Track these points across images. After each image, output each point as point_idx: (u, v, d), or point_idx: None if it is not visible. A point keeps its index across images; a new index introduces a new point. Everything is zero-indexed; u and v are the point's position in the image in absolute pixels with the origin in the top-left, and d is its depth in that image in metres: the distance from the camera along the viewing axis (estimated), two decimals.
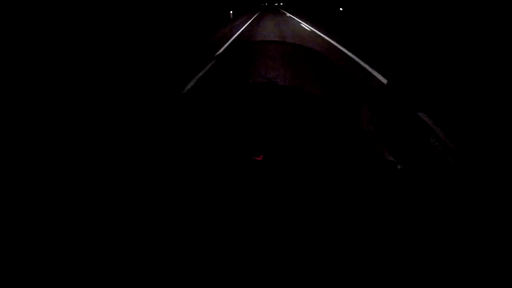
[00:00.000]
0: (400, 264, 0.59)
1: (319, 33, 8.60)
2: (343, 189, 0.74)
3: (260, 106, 0.98)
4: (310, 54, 1.19)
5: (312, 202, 0.71)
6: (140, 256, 0.62)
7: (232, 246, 0.63)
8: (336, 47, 6.18)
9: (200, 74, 4.16)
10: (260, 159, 0.82)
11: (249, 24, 12.34)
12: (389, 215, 0.68)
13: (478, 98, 2.48)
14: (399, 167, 0.81)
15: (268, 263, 0.60)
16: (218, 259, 0.61)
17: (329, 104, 1.00)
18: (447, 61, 3.60)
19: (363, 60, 4.80)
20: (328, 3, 19.51)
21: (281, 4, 55.30)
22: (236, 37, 8.28)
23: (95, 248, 0.65)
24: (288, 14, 19.44)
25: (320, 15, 16.42)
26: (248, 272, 0.58)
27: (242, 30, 9.88)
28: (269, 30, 9.71)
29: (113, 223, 0.69)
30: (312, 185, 0.75)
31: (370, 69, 4.28)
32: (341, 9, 14.90)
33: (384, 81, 3.69)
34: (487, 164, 1.51)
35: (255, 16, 17.30)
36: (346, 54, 5.42)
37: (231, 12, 14.73)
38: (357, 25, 9.80)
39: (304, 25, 11.44)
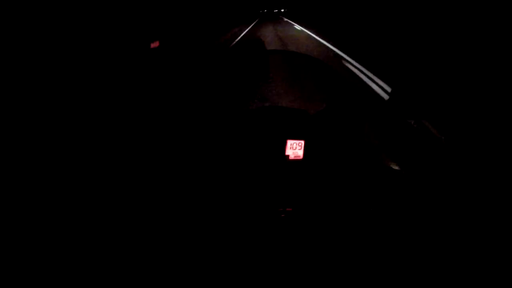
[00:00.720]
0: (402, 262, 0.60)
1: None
2: (347, 196, 0.75)
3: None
4: (312, 64, 1.11)
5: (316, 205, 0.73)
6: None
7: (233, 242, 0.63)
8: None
9: None
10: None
11: None
12: (394, 222, 0.69)
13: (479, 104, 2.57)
14: (403, 174, 0.81)
15: (271, 262, 0.59)
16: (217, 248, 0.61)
17: (333, 115, 0.98)
18: (449, 70, 3.81)
19: None
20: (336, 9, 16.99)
21: (282, 11, 48.99)
22: None
23: (97, 245, 0.64)
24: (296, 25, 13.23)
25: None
26: (248, 271, 0.58)
27: None
28: None
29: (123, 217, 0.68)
30: (316, 190, 0.76)
31: None
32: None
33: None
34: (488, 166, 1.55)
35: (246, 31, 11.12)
36: None
37: (151, 46, 5.85)
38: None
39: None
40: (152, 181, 0.76)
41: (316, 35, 9.73)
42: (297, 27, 13.40)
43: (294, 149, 0.85)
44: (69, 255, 0.63)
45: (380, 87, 3.75)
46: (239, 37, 9.44)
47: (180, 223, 0.66)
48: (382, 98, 3.23)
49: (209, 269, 0.57)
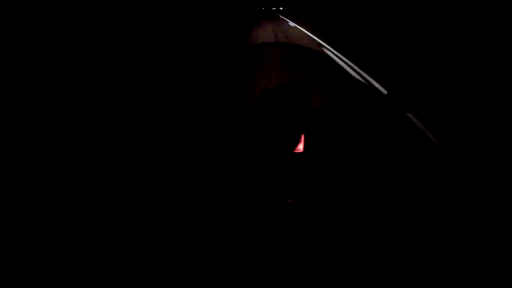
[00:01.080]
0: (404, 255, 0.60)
1: None
2: (347, 188, 0.75)
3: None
4: (311, 55, 1.15)
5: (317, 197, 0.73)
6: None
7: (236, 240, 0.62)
8: None
9: None
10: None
11: None
12: (393, 214, 0.67)
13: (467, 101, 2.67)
14: (399, 165, 0.82)
15: (272, 259, 0.59)
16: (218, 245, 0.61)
17: (334, 108, 0.98)
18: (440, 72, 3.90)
19: None
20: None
21: (281, 9, 44.58)
22: None
23: (98, 245, 0.64)
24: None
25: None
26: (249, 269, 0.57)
27: None
28: None
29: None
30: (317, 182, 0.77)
31: None
32: None
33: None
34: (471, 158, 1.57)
35: None
36: None
37: None
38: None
39: None
40: (156, 173, 0.77)
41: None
42: (320, 42, 8.82)
43: None
44: (70, 254, 0.61)
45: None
46: None
47: (181, 216, 0.64)
48: (381, 92, 3.27)
49: (207, 260, 0.57)
